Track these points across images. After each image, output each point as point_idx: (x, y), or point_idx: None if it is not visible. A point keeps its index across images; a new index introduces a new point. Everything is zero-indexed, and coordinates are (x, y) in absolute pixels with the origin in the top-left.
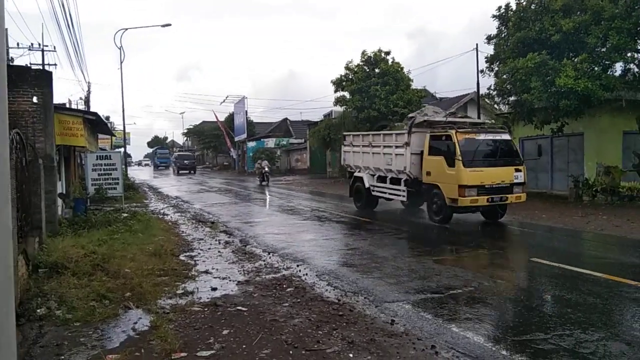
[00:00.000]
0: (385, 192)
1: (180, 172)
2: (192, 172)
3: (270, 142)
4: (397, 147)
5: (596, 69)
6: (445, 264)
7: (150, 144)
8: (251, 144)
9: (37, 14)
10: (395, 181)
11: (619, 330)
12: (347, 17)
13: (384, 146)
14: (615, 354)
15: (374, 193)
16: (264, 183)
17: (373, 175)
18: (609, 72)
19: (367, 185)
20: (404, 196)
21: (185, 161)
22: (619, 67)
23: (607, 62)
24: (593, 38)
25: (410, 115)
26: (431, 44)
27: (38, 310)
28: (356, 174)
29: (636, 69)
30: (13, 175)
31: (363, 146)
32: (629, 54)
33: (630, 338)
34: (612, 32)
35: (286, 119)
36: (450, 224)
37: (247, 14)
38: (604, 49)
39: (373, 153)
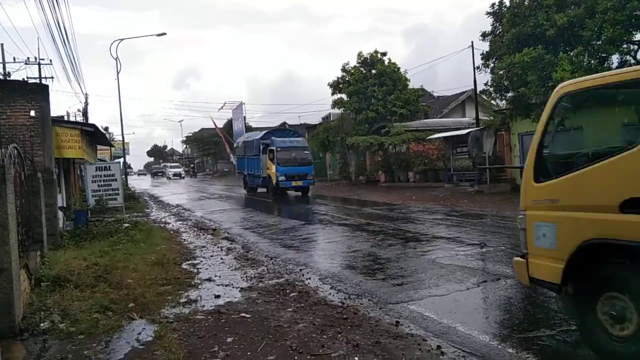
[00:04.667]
0: None
1: None
2: None
3: None
4: None
5: (592, 62)
6: (448, 264)
7: (149, 153)
8: None
9: (33, 28)
10: None
11: None
12: (343, 20)
13: None
14: None
15: None
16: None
17: None
18: (605, 65)
19: None
20: None
21: None
22: (615, 60)
23: (603, 55)
24: (588, 31)
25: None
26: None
27: (41, 324)
28: None
29: (633, 61)
30: (12, 190)
31: None
32: (624, 46)
33: None
34: (606, 24)
35: (285, 123)
36: (453, 222)
37: (242, 21)
38: (599, 42)
39: None
